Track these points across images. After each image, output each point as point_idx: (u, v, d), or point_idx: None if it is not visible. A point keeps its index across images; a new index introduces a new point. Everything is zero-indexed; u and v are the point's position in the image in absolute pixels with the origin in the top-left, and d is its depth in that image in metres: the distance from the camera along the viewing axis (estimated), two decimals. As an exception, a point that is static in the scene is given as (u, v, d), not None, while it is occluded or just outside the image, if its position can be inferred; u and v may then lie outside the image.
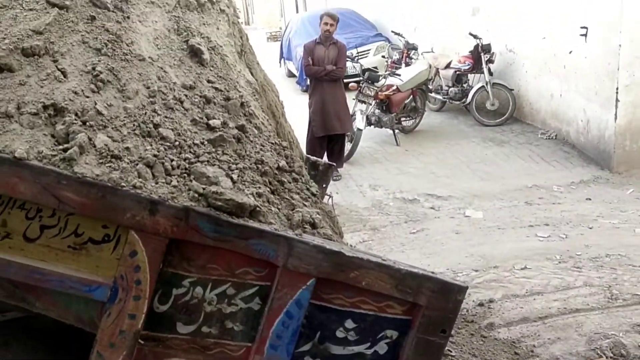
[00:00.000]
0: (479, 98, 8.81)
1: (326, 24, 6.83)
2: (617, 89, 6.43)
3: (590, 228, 5.31)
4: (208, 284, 1.67)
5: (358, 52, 11.78)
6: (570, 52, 7.25)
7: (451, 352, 3.37)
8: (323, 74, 6.86)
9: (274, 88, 2.77)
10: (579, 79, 7.18)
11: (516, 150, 7.69)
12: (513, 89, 8.61)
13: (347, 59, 7.41)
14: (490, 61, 8.75)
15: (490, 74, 8.73)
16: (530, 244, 5.04)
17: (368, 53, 12.80)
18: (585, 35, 6.85)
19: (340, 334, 1.75)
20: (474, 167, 7.27)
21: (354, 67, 8.49)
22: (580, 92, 7.19)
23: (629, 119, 6.51)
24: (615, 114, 6.50)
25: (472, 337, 3.55)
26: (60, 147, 1.47)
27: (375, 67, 10.21)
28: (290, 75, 14.61)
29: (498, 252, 4.89)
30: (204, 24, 2.07)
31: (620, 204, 5.84)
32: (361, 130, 7.69)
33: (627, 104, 6.45)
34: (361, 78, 8.21)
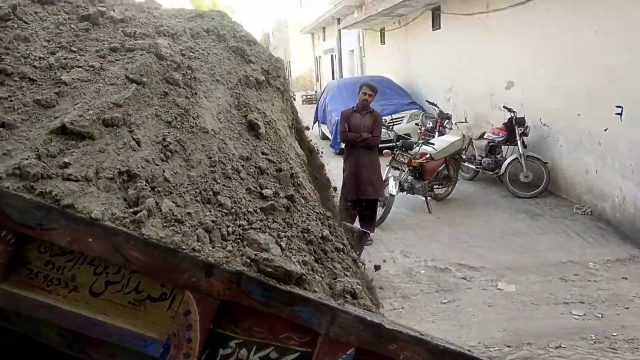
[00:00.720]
0: (513, 169, 8.85)
1: (365, 93, 7.07)
2: (653, 168, 6.42)
3: (627, 308, 5.19)
4: (253, 346, 1.71)
5: (392, 119, 12.04)
6: (606, 130, 7.30)
7: None
8: (359, 140, 7.05)
9: (319, 160, 2.91)
10: (615, 156, 7.19)
11: (550, 224, 7.63)
12: (547, 162, 8.64)
13: (383, 126, 7.60)
14: (524, 134, 8.84)
15: (524, 146, 8.80)
16: (565, 322, 4.94)
17: (402, 120, 13.07)
18: (621, 114, 6.92)
19: None
20: (507, 239, 7.23)
21: (387, 133, 8.69)
22: (616, 170, 7.18)
23: (666, 199, 6.45)
24: (652, 193, 6.47)
25: (505, 416, 3.48)
26: (131, 210, 1.59)
27: (409, 134, 10.44)
28: (324, 137, 14.96)
29: (532, 328, 4.80)
30: (261, 100, 2.23)
31: (658, 285, 5.71)
32: (394, 196, 7.78)
33: (664, 184, 6.41)
34: (395, 145, 8.38)
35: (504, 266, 6.34)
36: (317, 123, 15.71)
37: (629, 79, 6.75)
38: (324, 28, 26.82)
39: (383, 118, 7.98)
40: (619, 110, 6.93)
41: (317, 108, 16.00)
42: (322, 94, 16.44)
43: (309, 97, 28.75)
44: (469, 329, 4.83)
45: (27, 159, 1.56)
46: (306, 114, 18.29)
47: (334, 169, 7.95)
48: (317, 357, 1.70)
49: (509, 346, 4.50)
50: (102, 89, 1.81)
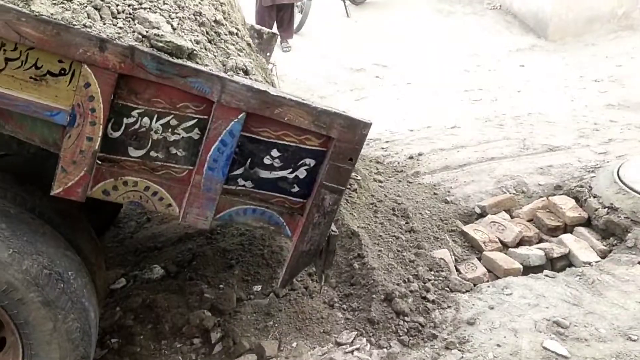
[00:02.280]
0: (430, -32, 8.84)
1: None
2: (556, -44, 6.63)
3: (519, 92, 5.77)
4: (154, 115, 1.92)
5: None
6: None
7: (380, 195, 3.86)
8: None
9: None
10: (523, -53, 7.31)
11: (462, 21, 7.96)
12: (463, -41, 8.66)
13: None
14: None
15: (442, -58, 8.70)
16: (463, 107, 5.49)
17: None
18: None
19: (267, 161, 2.05)
20: (419, 39, 7.52)
21: None
22: (524, -39, 7.36)
23: (566, -12, 6.80)
24: (555, -17, 6.77)
25: (400, 183, 4.05)
26: (17, -12, 1.69)
27: None
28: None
29: (432, 115, 5.32)
30: None
31: (550, 69, 6.29)
32: (310, 0, 7.73)
33: (565, -27, 6.70)
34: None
35: (414, 63, 6.71)
36: None
37: None
38: None
39: None
40: None
41: None
42: None
43: None
44: (378, 119, 5.25)
45: None
46: None
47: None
48: (212, 122, 1.94)
49: (411, 130, 5.02)
50: None
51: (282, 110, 1.96)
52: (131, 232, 3.60)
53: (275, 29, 7.17)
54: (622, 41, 6.82)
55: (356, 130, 2.03)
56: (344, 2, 8.39)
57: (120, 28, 1.86)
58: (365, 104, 5.81)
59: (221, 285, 2.89)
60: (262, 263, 3.06)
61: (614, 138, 4.26)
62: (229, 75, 1.99)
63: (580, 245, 3.14)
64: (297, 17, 7.65)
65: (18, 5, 1.69)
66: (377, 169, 4.23)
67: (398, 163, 4.38)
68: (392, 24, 8.08)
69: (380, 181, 3.97)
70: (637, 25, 7.06)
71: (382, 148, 4.65)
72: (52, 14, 1.73)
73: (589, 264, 3.00)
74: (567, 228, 3.34)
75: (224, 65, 2.16)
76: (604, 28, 7.02)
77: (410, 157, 4.45)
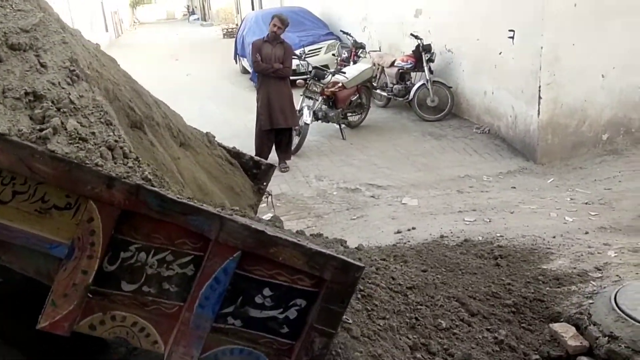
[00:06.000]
0: (421, 95, 9.37)
1: (274, 25, 7.23)
2: (539, 87, 7.06)
3: (512, 213, 5.86)
4: (151, 250, 1.95)
5: (307, 51, 12.15)
6: (500, 54, 7.85)
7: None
8: (271, 71, 7.24)
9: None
10: (508, 78, 7.80)
11: (452, 144, 8.27)
12: (451, 87, 9.20)
13: (295, 57, 7.80)
14: (430, 60, 9.31)
15: (431, 72, 9.30)
16: (457, 227, 5.54)
17: (320, 51, 13.19)
18: (513, 37, 7.47)
19: (258, 300, 2.04)
20: (413, 159, 7.80)
21: (301, 64, 8.88)
22: (509, 90, 7.81)
23: (550, 115, 7.16)
24: (539, 110, 7.14)
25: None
26: (37, 127, 1.79)
27: (326, 65, 10.65)
28: (245, 71, 14.86)
29: (428, 234, 5.37)
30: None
31: (540, 192, 6.45)
32: (308, 124, 8.11)
33: (548, 101, 7.09)
34: (308, 76, 8.63)
35: (408, 184, 6.90)
36: (237, 57, 15.55)
37: (519, 2, 7.24)
38: (239, -44, 25.84)
39: (301, 49, 8.14)
40: (511, 34, 7.46)
41: (235, 41, 15.78)
42: (240, 26, 16.18)
43: (229, 30, 27.98)
44: (373, 240, 5.34)
45: None
46: (227, 49, 17.99)
47: (254, 103, 8.12)
48: (208, 260, 1.96)
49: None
50: (8, 14, 1.93)
51: (277, 250, 1.98)
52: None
53: (274, 150, 7.46)
54: (608, 165, 7.07)
55: (349, 272, 2.02)
56: (340, 126, 8.79)
57: (130, 167, 1.96)
58: (362, 224, 5.88)
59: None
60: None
61: (609, 262, 4.28)
62: (227, 214, 2.04)
63: (585, 376, 3.05)
64: (295, 139, 7.97)
65: (35, 143, 1.78)
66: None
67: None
68: (386, 146, 8.40)
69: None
70: (622, 149, 7.36)
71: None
72: (67, 153, 1.82)
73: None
74: (570, 358, 3.26)
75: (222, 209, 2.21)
76: (590, 152, 7.31)
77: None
